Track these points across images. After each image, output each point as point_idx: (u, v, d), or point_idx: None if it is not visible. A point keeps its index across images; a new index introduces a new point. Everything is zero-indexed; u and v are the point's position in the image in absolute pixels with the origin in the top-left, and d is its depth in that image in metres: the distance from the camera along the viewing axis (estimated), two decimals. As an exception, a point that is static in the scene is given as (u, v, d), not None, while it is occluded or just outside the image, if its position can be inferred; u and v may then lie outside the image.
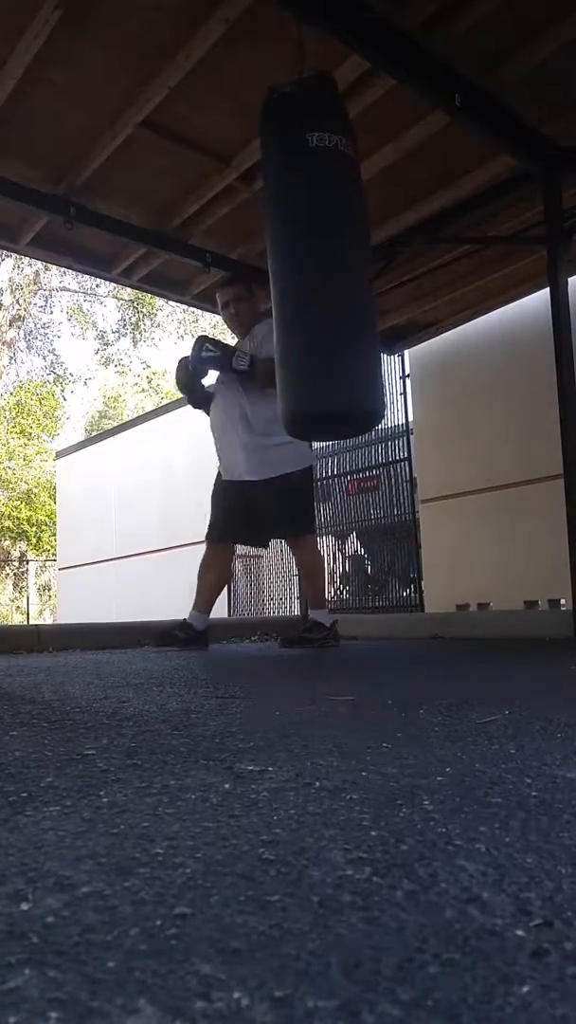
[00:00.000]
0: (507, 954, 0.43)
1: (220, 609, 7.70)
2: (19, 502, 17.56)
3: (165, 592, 8.46)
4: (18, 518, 17.52)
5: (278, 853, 0.60)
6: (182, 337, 19.11)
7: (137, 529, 8.98)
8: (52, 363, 20.31)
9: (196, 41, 2.98)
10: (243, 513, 3.53)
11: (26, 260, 15.53)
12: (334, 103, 2.58)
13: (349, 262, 2.41)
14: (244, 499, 3.49)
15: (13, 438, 18.29)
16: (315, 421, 2.50)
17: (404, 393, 6.41)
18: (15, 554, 18.36)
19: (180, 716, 1.34)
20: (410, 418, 6.28)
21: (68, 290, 18.80)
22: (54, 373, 20.09)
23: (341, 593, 7.15)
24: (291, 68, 2.55)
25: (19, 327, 18.39)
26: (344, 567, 7.17)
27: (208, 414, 3.69)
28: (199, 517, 8.13)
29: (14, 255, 14.16)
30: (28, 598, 16.43)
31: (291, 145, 2.44)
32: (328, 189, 2.40)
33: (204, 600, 3.69)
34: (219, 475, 3.62)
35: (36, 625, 4.17)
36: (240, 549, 8.19)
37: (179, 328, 19.11)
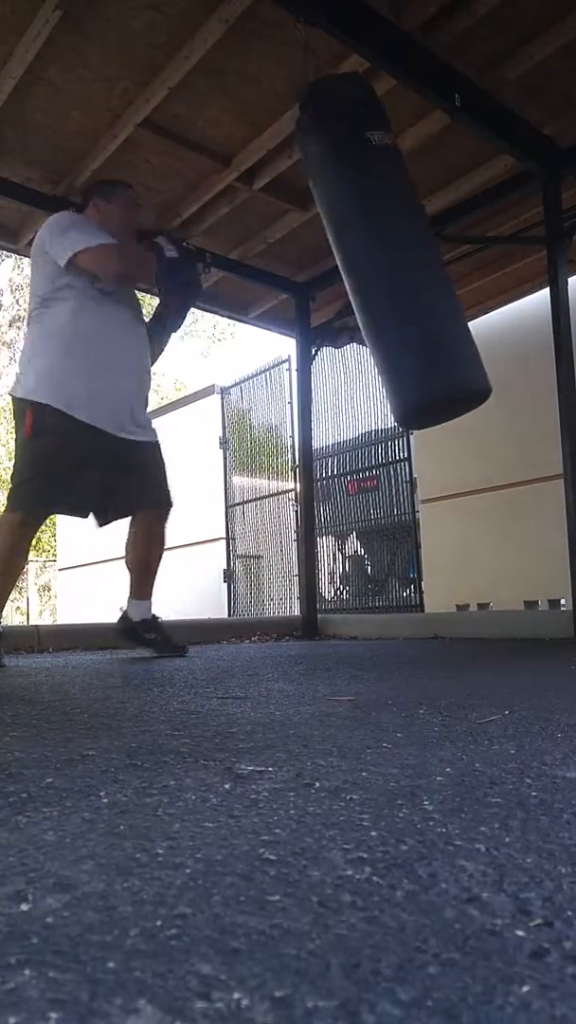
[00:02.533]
0: (507, 954, 0.43)
1: (220, 609, 7.71)
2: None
3: (165, 591, 8.46)
4: (18, 518, 17.50)
5: (278, 853, 0.60)
6: (182, 338, 19.11)
7: (137, 529, 8.95)
8: (52, 363, 20.33)
9: (196, 41, 2.98)
10: (94, 476, 2.70)
11: (26, 260, 15.54)
12: (378, 102, 2.64)
13: (429, 249, 2.52)
14: (102, 459, 2.70)
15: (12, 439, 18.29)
16: (438, 408, 2.58)
17: (404, 393, 6.40)
18: (15, 554, 18.33)
19: (180, 716, 1.33)
20: (410, 418, 6.27)
21: (68, 290, 18.78)
22: (54, 373, 20.09)
23: (341, 593, 7.15)
24: (292, 68, 2.55)
25: (19, 327, 18.40)
26: (344, 567, 7.17)
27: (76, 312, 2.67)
28: (199, 517, 8.18)
29: (14, 255, 14.17)
30: (28, 598, 16.43)
31: (353, 144, 2.50)
32: (395, 184, 2.51)
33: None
34: (57, 417, 2.58)
35: (36, 625, 4.14)
36: (240, 549, 8.24)
37: (179, 328, 19.11)
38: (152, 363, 2.97)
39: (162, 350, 3.06)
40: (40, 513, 2.78)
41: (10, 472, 2.72)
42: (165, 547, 3.13)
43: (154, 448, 2.95)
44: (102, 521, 2.98)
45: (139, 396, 2.85)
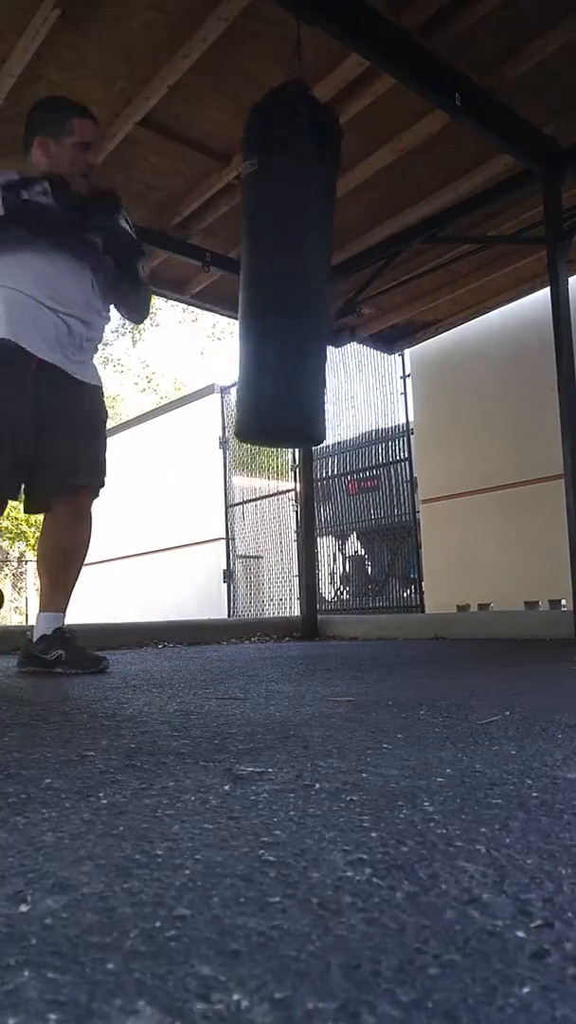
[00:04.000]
0: (507, 955, 0.43)
1: (220, 609, 7.71)
2: (18, 502, 17.54)
3: (165, 592, 8.47)
4: (17, 518, 17.53)
5: (278, 854, 0.60)
6: (182, 339, 19.10)
7: (137, 529, 8.98)
8: (52, 363, 20.32)
9: (195, 40, 2.98)
10: (20, 418, 2.18)
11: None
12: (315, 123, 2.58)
13: (307, 281, 2.50)
14: (27, 395, 2.19)
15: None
16: (272, 434, 2.71)
17: (404, 393, 6.41)
18: (14, 554, 18.36)
19: (179, 717, 1.33)
20: (410, 418, 6.28)
21: (68, 290, 18.77)
22: (54, 373, 20.08)
23: (341, 594, 7.15)
24: (294, 69, 2.55)
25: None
26: (344, 568, 7.17)
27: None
28: (199, 517, 8.17)
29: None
30: (27, 598, 16.43)
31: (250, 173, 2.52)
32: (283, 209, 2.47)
33: None
34: None
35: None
36: (240, 549, 8.25)
37: (178, 327, 19.12)
38: (131, 315, 2.55)
39: (126, 298, 2.46)
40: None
41: None
42: (85, 541, 2.40)
43: (97, 395, 2.38)
44: (32, 504, 2.37)
45: (79, 337, 2.30)
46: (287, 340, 2.43)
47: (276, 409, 2.46)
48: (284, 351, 2.42)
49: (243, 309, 2.52)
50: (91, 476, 2.33)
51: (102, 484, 2.39)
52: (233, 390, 8.01)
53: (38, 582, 2.45)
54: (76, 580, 2.43)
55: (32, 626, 2.39)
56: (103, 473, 2.38)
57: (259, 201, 2.50)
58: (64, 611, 2.39)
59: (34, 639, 2.31)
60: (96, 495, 2.39)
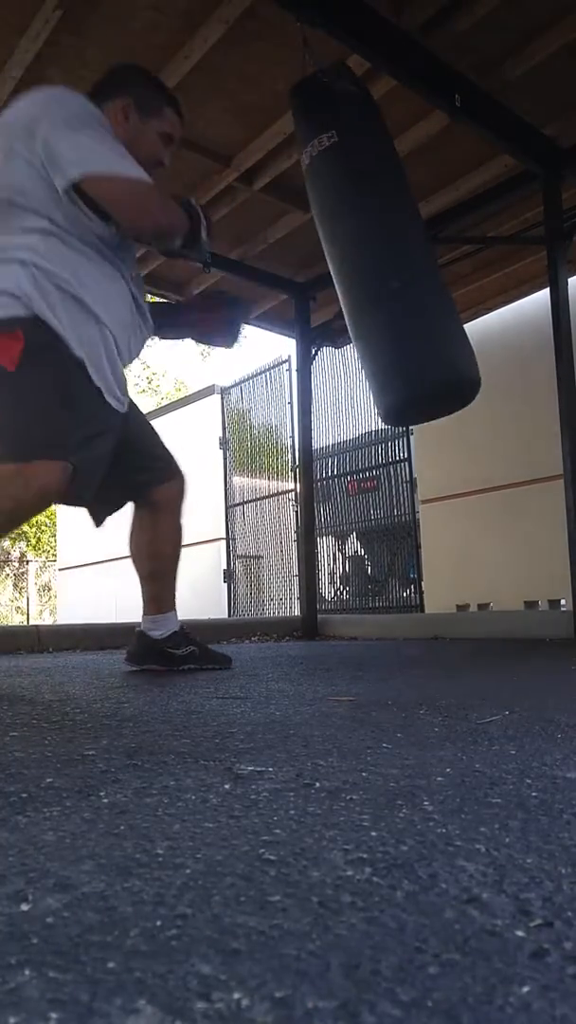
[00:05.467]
0: (507, 954, 0.43)
1: (220, 609, 7.71)
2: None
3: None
4: (18, 518, 17.50)
5: (278, 854, 0.60)
6: (182, 338, 19.09)
7: (137, 529, 8.95)
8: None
9: (196, 41, 2.99)
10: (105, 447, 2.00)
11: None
12: (352, 96, 2.62)
13: (419, 243, 2.51)
14: (113, 431, 2.02)
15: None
16: (429, 403, 2.55)
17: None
18: (15, 554, 18.35)
19: (180, 717, 1.33)
20: (410, 418, 6.27)
21: (68, 290, 18.73)
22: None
23: (341, 594, 7.15)
24: (291, 69, 2.55)
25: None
26: (344, 568, 7.17)
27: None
28: (199, 517, 8.17)
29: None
30: (28, 598, 16.44)
31: (344, 143, 2.52)
32: (381, 181, 2.50)
33: None
34: (89, 388, 1.90)
35: (36, 625, 4.13)
36: (240, 549, 8.24)
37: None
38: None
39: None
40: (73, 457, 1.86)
41: None
42: (183, 534, 2.38)
43: (137, 410, 2.27)
44: (103, 516, 2.32)
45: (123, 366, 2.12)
46: (423, 300, 2.37)
47: (440, 371, 2.35)
48: (423, 312, 2.35)
49: (359, 284, 2.46)
50: (171, 468, 2.39)
51: (181, 472, 2.43)
52: (233, 390, 8.02)
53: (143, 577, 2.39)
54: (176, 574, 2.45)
55: (139, 623, 2.36)
56: (175, 461, 2.43)
57: (346, 172, 2.47)
58: (175, 610, 2.38)
59: (158, 637, 2.27)
60: (182, 482, 2.41)
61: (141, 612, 2.34)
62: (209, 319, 2.28)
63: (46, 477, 1.79)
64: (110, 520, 2.38)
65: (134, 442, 2.17)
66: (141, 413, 2.30)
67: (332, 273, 2.56)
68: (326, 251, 2.58)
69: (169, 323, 2.29)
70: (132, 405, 2.19)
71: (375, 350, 2.42)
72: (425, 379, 2.37)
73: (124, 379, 2.07)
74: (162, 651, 2.27)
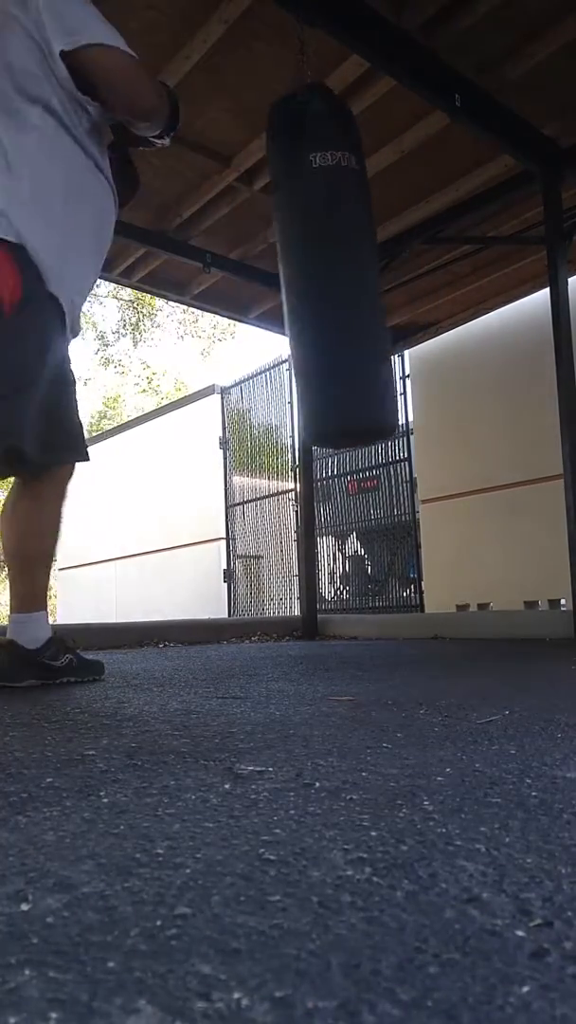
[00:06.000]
0: (507, 954, 0.43)
1: (220, 609, 7.71)
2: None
3: (165, 592, 8.46)
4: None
5: (278, 853, 0.60)
6: (182, 338, 19.09)
7: (137, 529, 8.98)
8: (52, 363, 20.25)
9: (196, 41, 2.99)
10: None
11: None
12: (338, 117, 2.59)
13: (360, 277, 2.47)
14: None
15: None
16: (343, 435, 2.62)
17: (404, 393, 6.41)
18: (15, 554, 18.32)
19: (180, 716, 1.34)
20: (410, 418, 6.28)
21: (68, 290, 18.72)
22: (54, 373, 20.02)
23: (341, 593, 7.15)
24: (291, 69, 2.55)
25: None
26: (344, 567, 7.17)
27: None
28: (199, 517, 8.17)
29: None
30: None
31: (295, 166, 2.46)
32: (333, 209, 2.43)
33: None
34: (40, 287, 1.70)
35: None
36: (240, 549, 8.24)
37: (179, 328, 19.10)
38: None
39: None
40: None
41: None
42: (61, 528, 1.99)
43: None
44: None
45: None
46: (347, 335, 2.40)
47: (352, 408, 2.41)
48: (346, 346, 2.39)
49: (294, 307, 2.48)
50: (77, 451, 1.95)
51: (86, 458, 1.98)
52: (233, 390, 8.02)
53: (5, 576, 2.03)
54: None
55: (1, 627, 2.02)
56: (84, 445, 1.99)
57: (302, 206, 2.46)
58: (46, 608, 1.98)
59: (27, 645, 1.86)
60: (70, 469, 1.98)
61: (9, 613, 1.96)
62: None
63: None
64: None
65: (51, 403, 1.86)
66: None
67: (282, 280, 2.56)
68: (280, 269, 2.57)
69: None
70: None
71: (315, 380, 2.45)
72: (360, 417, 2.45)
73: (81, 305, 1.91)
74: (39, 663, 1.89)
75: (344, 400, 2.40)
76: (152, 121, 1.88)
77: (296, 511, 6.45)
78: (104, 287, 17.24)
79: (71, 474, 1.90)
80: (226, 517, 7.95)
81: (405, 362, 6.33)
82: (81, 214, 1.80)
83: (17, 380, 1.68)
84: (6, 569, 1.98)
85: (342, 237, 2.43)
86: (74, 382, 1.93)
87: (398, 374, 6.47)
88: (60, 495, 1.88)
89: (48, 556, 1.95)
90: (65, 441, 1.85)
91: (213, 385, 8.23)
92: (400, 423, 6.48)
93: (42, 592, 1.94)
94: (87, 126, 1.80)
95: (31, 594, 1.91)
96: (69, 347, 1.88)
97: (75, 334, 1.89)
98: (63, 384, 1.85)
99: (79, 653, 2.02)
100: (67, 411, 1.87)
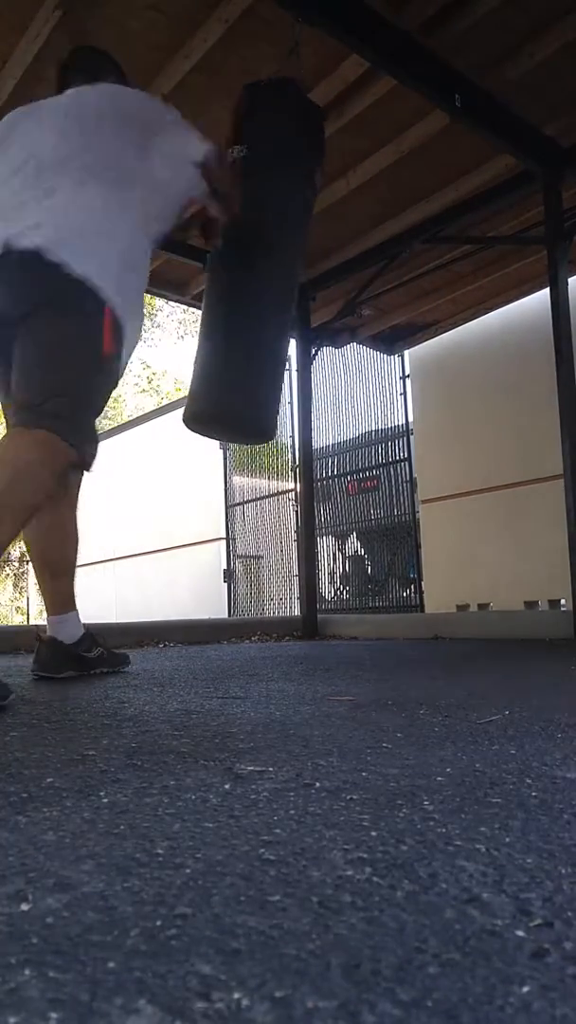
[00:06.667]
0: (507, 954, 0.43)
1: (220, 609, 7.71)
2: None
3: (165, 592, 8.47)
4: (18, 518, 17.49)
5: (278, 853, 0.60)
6: (182, 337, 19.10)
7: (137, 529, 8.98)
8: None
9: (196, 41, 2.99)
10: None
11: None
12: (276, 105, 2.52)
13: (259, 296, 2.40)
14: None
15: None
16: (213, 420, 2.51)
17: (404, 393, 6.41)
18: (15, 554, 18.36)
19: (180, 717, 1.34)
20: (410, 418, 6.29)
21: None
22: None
23: (341, 593, 7.15)
24: (292, 68, 2.55)
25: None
26: (344, 567, 7.17)
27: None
28: (200, 517, 8.17)
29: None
30: (28, 598, 16.43)
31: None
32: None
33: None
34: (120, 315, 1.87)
35: (36, 625, 4.12)
36: (240, 549, 8.24)
37: (179, 328, 19.10)
38: None
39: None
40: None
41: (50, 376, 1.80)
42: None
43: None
44: None
45: None
46: (249, 329, 2.35)
47: (230, 395, 2.34)
48: (244, 340, 2.34)
49: (206, 300, 2.44)
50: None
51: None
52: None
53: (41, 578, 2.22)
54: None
55: (40, 626, 2.22)
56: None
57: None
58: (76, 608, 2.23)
59: (66, 640, 2.11)
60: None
61: (46, 615, 2.20)
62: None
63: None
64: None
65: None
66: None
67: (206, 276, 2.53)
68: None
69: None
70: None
71: (212, 360, 2.41)
72: (241, 410, 2.39)
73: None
74: (77, 656, 2.13)
75: (216, 387, 2.34)
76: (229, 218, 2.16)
77: (296, 511, 6.45)
78: (104, 287, 17.15)
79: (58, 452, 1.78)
80: (226, 517, 7.95)
81: (405, 362, 6.34)
82: (139, 282, 1.99)
83: (99, 400, 1.90)
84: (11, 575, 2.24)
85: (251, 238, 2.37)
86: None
87: (398, 374, 6.47)
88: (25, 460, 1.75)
89: (66, 563, 2.20)
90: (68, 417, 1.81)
91: (213, 385, 8.22)
92: (400, 423, 6.50)
93: (71, 594, 2.21)
94: (155, 220, 2.03)
95: (66, 595, 2.18)
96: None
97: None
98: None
99: (107, 646, 2.29)
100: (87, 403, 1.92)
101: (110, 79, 2.12)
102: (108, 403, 1.97)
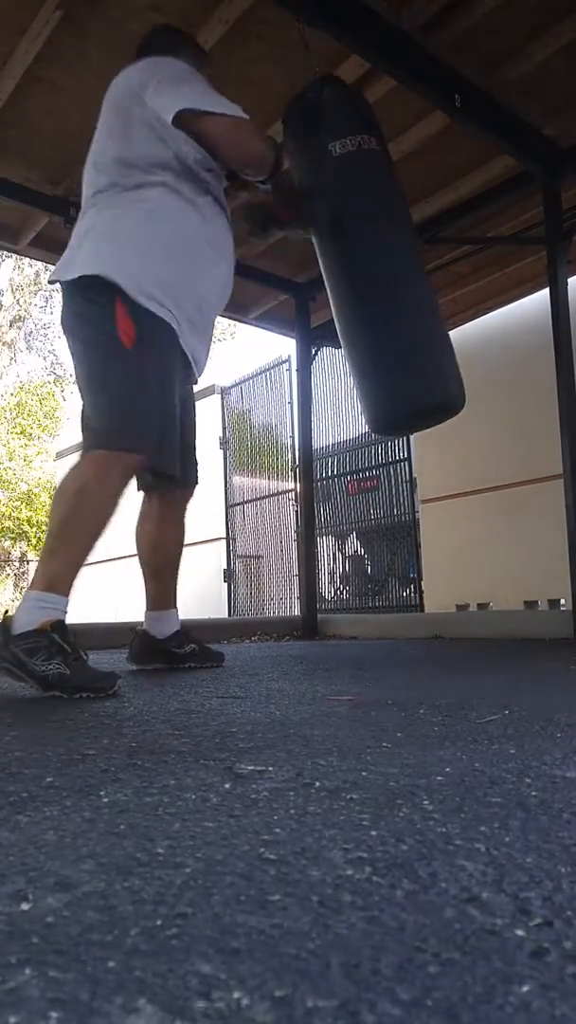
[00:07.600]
0: (507, 954, 0.43)
1: (220, 609, 7.71)
2: (19, 502, 17.56)
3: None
4: (18, 518, 17.53)
5: (278, 853, 0.60)
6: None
7: (137, 529, 8.95)
8: (52, 364, 20.27)
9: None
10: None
11: (26, 260, 15.52)
12: (351, 102, 2.58)
13: (406, 256, 2.43)
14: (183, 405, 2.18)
15: (13, 439, 18.28)
16: (414, 418, 2.53)
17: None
18: (15, 554, 18.35)
19: (180, 716, 1.34)
20: (410, 418, 6.27)
21: (68, 290, 18.72)
22: (54, 374, 20.06)
23: (341, 593, 7.15)
24: (293, 69, 2.55)
25: (19, 328, 18.39)
26: (344, 567, 7.17)
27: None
28: (199, 517, 8.15)
29: (14, 255, 14.17)
30: (29, 598, 16.41)
31: (316, 159, 2.45)
32: (362, 192, 2.41)
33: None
34: (167, 335, 1.97)
35: (134, 622, 4.12)
36: (240, 549, 8.24)
37: (179, 328, 19.08)
38: None
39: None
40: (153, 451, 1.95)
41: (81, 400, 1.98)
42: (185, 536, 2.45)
43: (191, 396, 2.30)
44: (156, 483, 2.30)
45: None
46: (403, 317, 2.35)
47: (421, 388, 2.33)
48: (409, 328, 2.34)
49: (345, 297, 2.43)
50: (193, 476, 2.40)
51: (197, 483, 2.44)
52: (233, 390, 8.02)
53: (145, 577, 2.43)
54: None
55: (139, 623, 2.43)
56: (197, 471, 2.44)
57: (359, 182, 2.42)
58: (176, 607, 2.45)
59: (158, 636, 2.35)
60: (192, 493, 2.45)
61: (145, 609, 2.41)
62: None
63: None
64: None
65: (183, 432, 2.18)
66: (193, 400, 2.31)
67: (325, 278, 2.54)
68: (322, 253, 2.55)
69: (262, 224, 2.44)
70: (189, 393, 2.27)
71: (370, 363, 2.41)
72: (423, 398, 2.38)
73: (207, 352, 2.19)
74: (166, 650, 2.35)
75: (405, 384, 2.33)
76: (256, 169, 2.15)
77: (296, 511, 6.45)
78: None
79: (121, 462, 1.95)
80: (226, 517, 7.94)
81: (405, 362, 6.33)
82: (176, 263, 2.03)
83: (136, 392, 1.92)
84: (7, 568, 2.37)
85: (380, 216, 2.41)
86: (190, 418, 2.26)
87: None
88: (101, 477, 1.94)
89: (164, 569, 2.40)
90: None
91: (213, 385, 8.22)
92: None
93: (171, 592, 2.41)
94: (203, 188, 2.09)
95: (163, 595, 2.38)
96: (191, 386, 2.22)
97: (199, 373, 2.19)
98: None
99: (204, 644, 2.47)
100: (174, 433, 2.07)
101: (182, 56, 2.19)
102: (160, 388, 1.94)
